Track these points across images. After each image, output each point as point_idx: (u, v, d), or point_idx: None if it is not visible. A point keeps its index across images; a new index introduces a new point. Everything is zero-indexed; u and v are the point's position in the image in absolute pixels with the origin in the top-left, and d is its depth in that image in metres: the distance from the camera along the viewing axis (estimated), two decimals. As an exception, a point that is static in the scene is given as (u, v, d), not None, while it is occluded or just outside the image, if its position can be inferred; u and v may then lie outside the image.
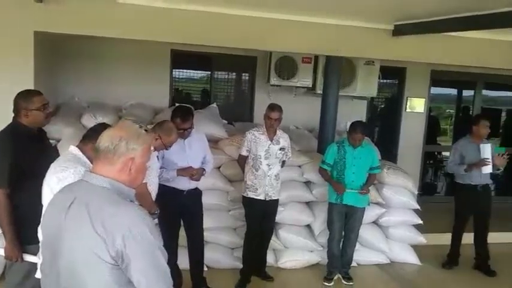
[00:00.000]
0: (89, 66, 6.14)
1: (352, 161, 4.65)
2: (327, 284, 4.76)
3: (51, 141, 3.69)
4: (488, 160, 4.96)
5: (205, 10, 4.67)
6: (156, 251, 1.68)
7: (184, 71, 7.11)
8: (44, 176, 2.57)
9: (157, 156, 3.73)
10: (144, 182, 3.19)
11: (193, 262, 4.29)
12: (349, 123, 5.05)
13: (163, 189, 3.96)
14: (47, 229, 1.82)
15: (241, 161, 4.57)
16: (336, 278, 4.82)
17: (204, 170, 4.14)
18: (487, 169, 4.99)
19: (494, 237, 5.53)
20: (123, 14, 4.49)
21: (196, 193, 4.22)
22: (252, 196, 4.47)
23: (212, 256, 4.64)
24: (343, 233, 4.78)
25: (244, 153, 4.53)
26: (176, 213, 4.07)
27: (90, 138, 2.73)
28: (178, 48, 6.22)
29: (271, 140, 4.48)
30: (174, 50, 6.39)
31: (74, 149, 2.74)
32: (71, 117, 5.25)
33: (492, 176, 5.22)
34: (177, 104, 6.51)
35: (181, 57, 6.60)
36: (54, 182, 2.47)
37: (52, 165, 2.60)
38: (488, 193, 5.26)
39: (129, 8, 4.49)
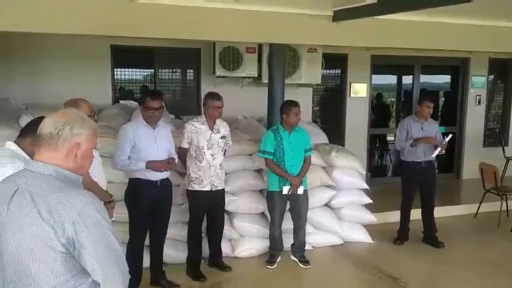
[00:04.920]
0: (22, 65, 5.83)
1: (290, 146, 4.69)
2: (269, 267, 4.79)
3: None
4: (439, 145, 5.20)
5: (146, 2, 4.55)
6: (108, 235, 1.63)
7: (127, 67, 6.91)
8: None
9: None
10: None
11: (155, 255, 4.24)
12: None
13: (134, 182, 3.96)
14: None
15: (183, 153, 4.48)
16: (278, 260, 4.87)
17: (173, 159, 4.10)
18: (435, 152, 5.22)
19: (439, 211, 5.79)
20: (57, 7, 4.27)
21: (169, 184, 4.16)
22: (197, 189, 4.41)
23: (166, 251, 4.51)
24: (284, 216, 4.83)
25: (185, 145, 4.44)
26: (149, 209, 3.98)
27: (28, 132, 2.59)
28: (119, 43, 6.05)
29: (212, 129, 4.42)
30: (114, 45, 6.21)
31: (11, 145, 2.60)
32: (6, 119, 4.96)
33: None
34: (121, 102, 6.42)
35: (123, 53, 6.43)
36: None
37: (-12, 163, 2.45)
38: (432, 169, 5.49)
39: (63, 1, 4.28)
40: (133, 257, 3.97)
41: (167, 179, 4.12)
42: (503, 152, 8.14)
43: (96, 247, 1.58)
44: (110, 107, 6.03)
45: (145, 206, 3.93)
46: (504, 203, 6.20)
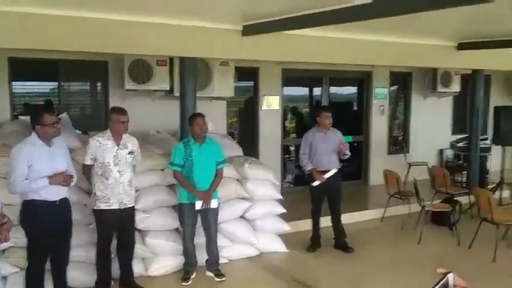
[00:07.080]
0: None
1: (200, 158, 4.67)
2: (184, 283, 4.69)
3: None
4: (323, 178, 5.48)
5: (49, 13, 4.29)
6: None
7: (28, 80, 6.50)
8: None
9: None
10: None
11: (59, 280, 4.00)
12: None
13: (30, 204, 3.69)
14: None
15: (87, 170, 4.30)
16: (193, 276, 4.79)
17: (71, 176, 3.88)
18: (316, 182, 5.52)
19: (347, 217, 6.08)
20: None
21: (68, 204, 3.96)
22: (104, 207, 4.23)
23: (74, 275, 4.27)
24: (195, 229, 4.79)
25: (88, 162, 4.26)
26: (49, 231, 3.72)
27: None
28: (17, 56, 5.66)
29: (118, 144, 4.28)
30: (12, 57, 5.80)
31: None
32: None
33: (341, 161, 5.73)
34: (21, 117, 5.98)
35: (23, 65, 6.02)
36: None
37: None
38: (337, 178, 5.70)
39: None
40: (33, 284, 3.72)
41: (66, 198, 3.92)
42: (405, 158, 8.73)
43: None
44: (8, 123, 5.61)
45: (45, 228, 3.68)
46: (407, 206, 6.64)
